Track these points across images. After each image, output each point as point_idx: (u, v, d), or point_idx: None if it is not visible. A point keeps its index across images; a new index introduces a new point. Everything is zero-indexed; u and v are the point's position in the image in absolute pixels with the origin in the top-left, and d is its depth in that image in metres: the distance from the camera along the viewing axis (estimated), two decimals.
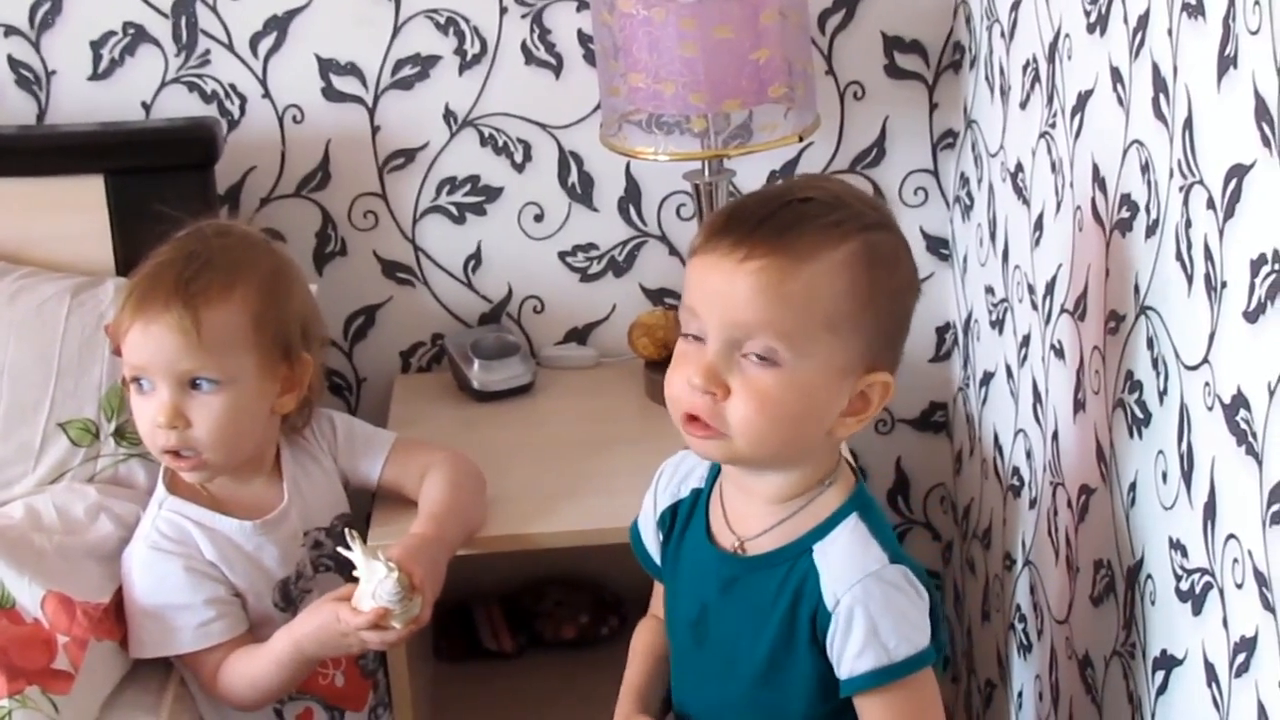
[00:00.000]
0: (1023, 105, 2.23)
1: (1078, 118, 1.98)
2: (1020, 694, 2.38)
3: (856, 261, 1.66)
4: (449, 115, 2.62)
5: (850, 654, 1.69)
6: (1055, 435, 2.13)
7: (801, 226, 1.65)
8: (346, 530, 1.99)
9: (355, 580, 1.98)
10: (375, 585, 1.94)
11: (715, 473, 1.84)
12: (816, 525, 1.74)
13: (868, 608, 1.68)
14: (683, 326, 1.71)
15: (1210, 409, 1.59)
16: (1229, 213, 1.52)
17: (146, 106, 2.58)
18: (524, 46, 2.60)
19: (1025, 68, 2.20)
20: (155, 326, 2.02)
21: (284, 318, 2.11)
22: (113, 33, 2.55)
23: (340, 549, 1.99)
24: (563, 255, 2.72)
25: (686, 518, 1.86)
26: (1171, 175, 1.67)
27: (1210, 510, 1.61)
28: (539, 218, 2.69)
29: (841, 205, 1.69)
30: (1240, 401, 1.52)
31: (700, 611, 1.82)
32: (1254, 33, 1.44)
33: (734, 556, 1.79)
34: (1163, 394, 1.73)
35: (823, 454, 1.75)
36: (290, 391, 2.13)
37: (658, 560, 1.93)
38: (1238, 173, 1.49)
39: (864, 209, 1.71)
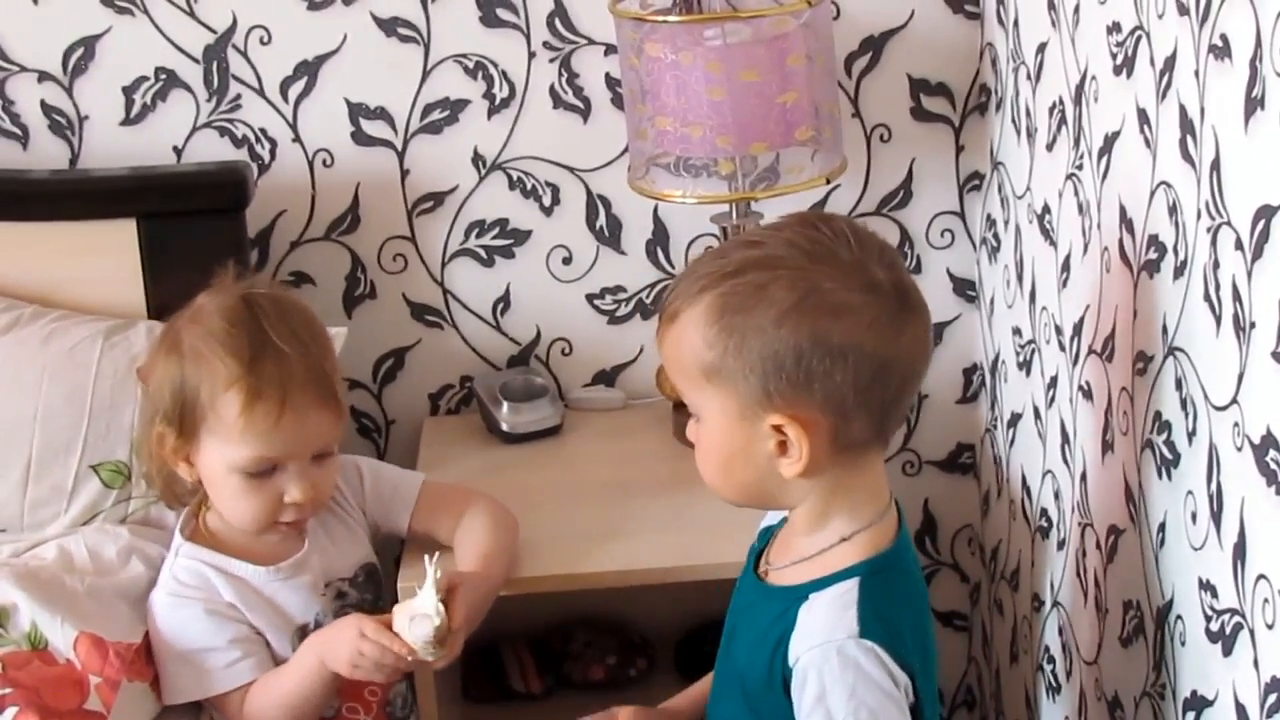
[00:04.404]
0: (1049, 147, 2.24)
1: (1105, 159, 1.99)
2: None
3: (710, 312, 1.69)
4: (478, 159, 2.64)
5: (803, 713, 1.69)
6: (1084, 476, 2.13)
7: (674, 291, 1.74)
8: (427, 556, 1.97)
9: None
10: (416, 618, 1.95)
11: None
12: (823, 575, 1.74)
13: (820, 673, 1.68)
14: None
15: (1240, 449, 1.59)
16: (1257, 253, 1.52)
17: (178, 151, 2.60)
18: (552, 90, 2.61)
19: (1052, 110, 2.21)
20: (307, 411, 2.04)
21: (337, 362, 2.17)
22: (145, 78, 2.57)
23: (427, 559, 1.98)
24: (591, 298, 2.73)
25: (764, 539, 1.91)
26: (1199, 216, 1.67)
27: (1240, 551, 1.61)
28: (567, 260, 2.70)
29: (717, 257, 1.74)
30: (1270, 442, 1.52)
31: (731, 626, 1.87)
32: None
33: (758, 581, 1.83)
34: (1191, 435, 1.73)
35: (815, 499, 1.75)
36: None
37: None
38: (1266, 214, 1.50)
39: (744, 256, 1.71)
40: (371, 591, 2.19)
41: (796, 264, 1.68)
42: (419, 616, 1.95)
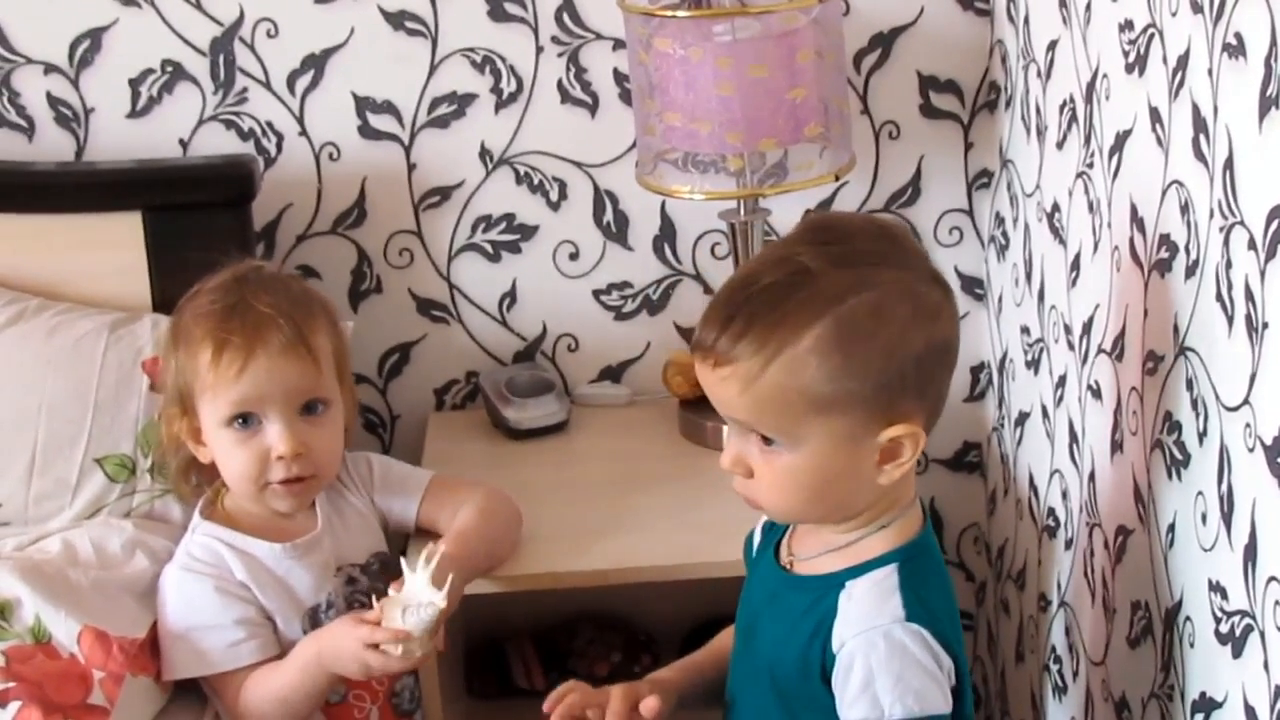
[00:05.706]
0: (1059, 145, 2.23)
1: (1116, 158, 1.98)
2: None
3: (824, 344, 1.63)
4: (485, 153, 2.63)
5: (846, 700, 1.69)
6: (1092, 476, 2.12)
7: (759, 325, 1.64)
8: (430, 544, 1.97)
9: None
10: (415, 607, 1.94)
11: None
12: (858, 563, 1.74)
13: (868, 659, 1.67)
14: None
15: (1251, 450, 1.58)
16: (1271, 253, 1.51)
17: (184, 144, 2.60)
18: (560, 85, 2.60)
19: (1062, 107, 2.20)
20: (276, 357, 2.05)
21: (343, 342, 2.17)
22: (151, 70, 2.56)
23: (404, 559, 1.99)
24: (597, 293, 2.72)
25: (779, 531, 1.89)
26: (1212, 216, 1.66)
27: (1251, 552, 1.60)
28: (574, 256, 2.69)
29: (804, 283, 1.65)
30: None
31: (751, 619, 1.86)
32: None
33: (783, 572, 1.82)
34: (1202, 435, 1.72)
35: (884, 498, 1.75)
36: (349, 414, 2.19)
37: None
38: None
39: (834, 279, 1.65)
40: (383, 581, 2.18)
41: (892, 276, 1.67)
42: (415, 606, 1.94)
